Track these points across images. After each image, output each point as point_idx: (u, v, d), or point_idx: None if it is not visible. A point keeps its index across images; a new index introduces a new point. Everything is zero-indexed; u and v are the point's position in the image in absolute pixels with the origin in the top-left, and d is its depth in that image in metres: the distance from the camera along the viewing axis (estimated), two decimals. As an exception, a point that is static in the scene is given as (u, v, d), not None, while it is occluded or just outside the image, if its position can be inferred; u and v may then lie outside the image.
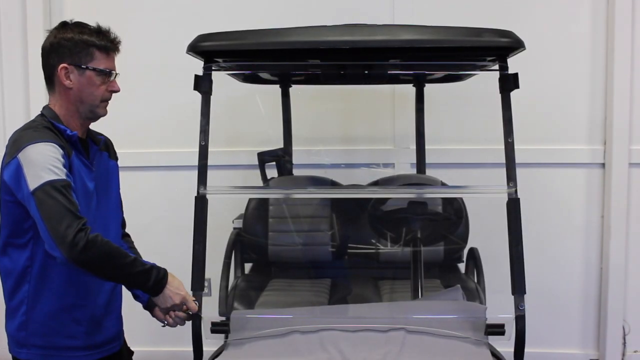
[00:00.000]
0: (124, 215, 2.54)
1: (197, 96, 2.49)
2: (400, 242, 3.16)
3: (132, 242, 2.61)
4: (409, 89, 3.85)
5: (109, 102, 2.24)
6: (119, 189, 2.42)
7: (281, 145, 3.94)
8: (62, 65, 2.11)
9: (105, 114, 2.24)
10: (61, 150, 2.03)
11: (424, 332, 2.35)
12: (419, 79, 3.66)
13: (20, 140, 2.04)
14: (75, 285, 2.17)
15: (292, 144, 3.95)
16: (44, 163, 1.96)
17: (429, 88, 3.79)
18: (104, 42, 2.16)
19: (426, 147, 3.87)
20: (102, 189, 2.28)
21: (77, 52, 2.12)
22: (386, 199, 3.20)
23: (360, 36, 2.26)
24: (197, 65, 2.52)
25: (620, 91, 4.05)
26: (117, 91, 2.22)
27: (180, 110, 4.13)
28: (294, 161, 3.95)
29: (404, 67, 2.89)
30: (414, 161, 3.93)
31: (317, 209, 3.64)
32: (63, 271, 2.12)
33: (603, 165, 4.17)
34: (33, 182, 1.95)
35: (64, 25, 2.19)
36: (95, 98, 2.17)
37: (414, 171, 4.00)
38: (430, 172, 3.86)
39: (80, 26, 2.18)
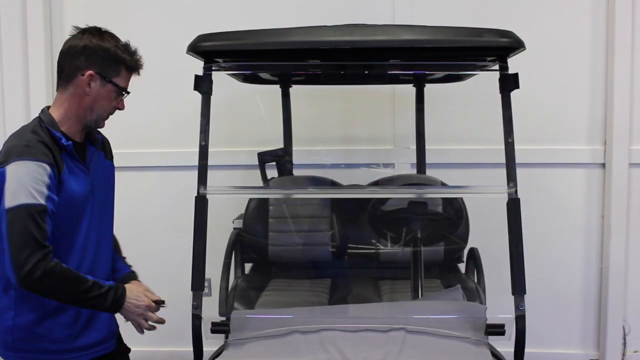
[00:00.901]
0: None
1: (197, 96, 2.49)
2: (401, 242, 3.16)
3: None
4: (409, 89, 3.85)
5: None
6: (114, 184, 2.44)
7: (281, 145, 3.94)
8: (89, 72, 2.12)
9: (103, 126, 2.30)
10: (49, 170, 2.02)
11: (424, 332, 2.35)
12: (419, 79, 3.66)
13: (11, 152, 2.04)
14: None
15: (292, 144, 3.95)
16: (26, 184, 1.97)
17: (429, 88, 3.79)
18: (133, 62, 2.21)
19: (426, 147, 3.87)
20: (100, 189, 2.29)
21: (108, 64, 2.15)
22: (386, 199, 3.20)
23: (361, 36, 2.26)
24: (197, 65, 2.52)
25: (620, 91, 4.05)
26: (121, 109, 2.27)
27: (180, 110, 4.13)
28: (294, 161, 3.95)
29: (404, 67, 2.89)
30: (414, 161, 3.93)
31: (317, 209, 3.64)
32: None
33: (603, 165, 4.17)
34: (10, 200, 1.97)
35: (100, 32, 2.18)
36: (105, 111, 2.21)
37: (414, 171, 4.00)
38: (430, 172, 3.86)
39: (115, 39, 2.20)
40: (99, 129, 2.35)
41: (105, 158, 2.37)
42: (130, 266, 2.54)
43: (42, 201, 1.98)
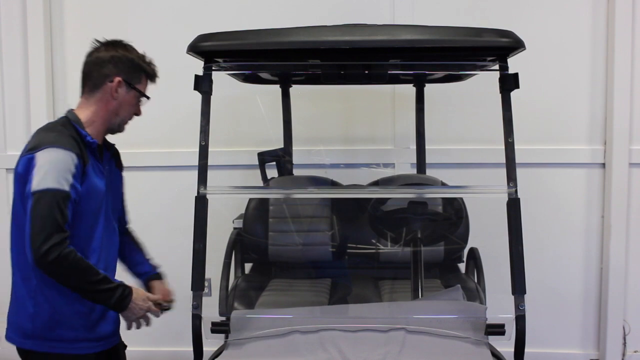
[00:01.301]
0: (129, 216, 2.73)
1: (197, 96, 2.49)
2: (401, 242, 3.15)
3: (134, 234, 2.76)
4: (409, 89, 3.85)
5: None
6: (122, 190, 2.57)
7: (281, 145, 3.94)
8: (118, 79, 2.30)
9: (122, 131, 2.45)
10: (76, 160, 2.16)
11: (424, 332, 2.35)
12: (419, 79, 3.66)
13: (43, 140, 2.17)
14: None
15: (292, 144, 3.95)
16: (54, 170, 2.09)
17: (429, 88, 3.79)
18: (152, 71, 2.42)
19: (426, 147, 3.87)
20: (110, 192, 2.41)
21: (133, 72, 2.34)
22: (386, 199, 3.20)
23: (361, 36, 2.26)
24: (197, 65, 2.52)
25: (620, 91, 4.05)
26: (138, 115, 2.44)
27: (180, 110, 4.14)
28: (294, 161, 3.95)
29: (404, 67, 2.89)
30: (414, 161, 3.93)
31: (317, 209, 3.64)
32: None
33: (603, 165, 4.17)
34: (37, 183, 2.08)
35: (123, 44, 2.40)
36: (129, 115, 2.39)
37: (414, 171, 4.00)
38: (430, 172, 3.87)
39: (136, 50, 2.41)
40: (111, 143, 2.51)
41: (115, 166, 2.49)
42: (156, 267, 2.68)
43: (67, 188, 2.10)
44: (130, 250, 2.66)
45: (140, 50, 2.41)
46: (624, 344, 4.22)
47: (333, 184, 3.71)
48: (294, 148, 3.96)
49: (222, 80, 2.76)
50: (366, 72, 2.68)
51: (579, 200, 4.23)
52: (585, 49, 4.14)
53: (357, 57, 2.47)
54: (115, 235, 2.47)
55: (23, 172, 2.16)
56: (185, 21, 4.22)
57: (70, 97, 4.36)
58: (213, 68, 2.45)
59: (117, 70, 2.31)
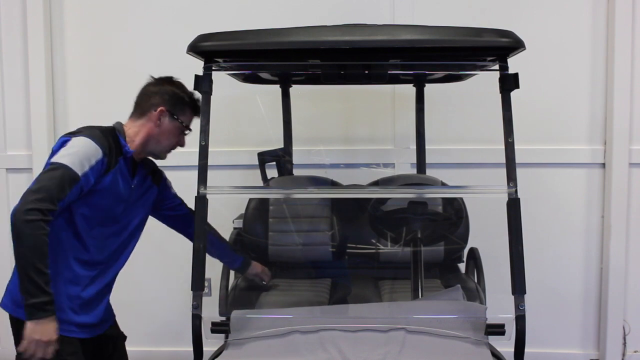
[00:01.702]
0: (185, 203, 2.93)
1: (197, 96, 2.50)
2: (401, 242, 3.15)
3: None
4: (409, 89, 3.85)
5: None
6: (149, 205, 2.71)
7: (281, 145, 3.94)
8: (162, 108, 2.51)
9: (163, 159, 2.66)
10: (101, 156, 2.34)
11: (424, 332, 2.35)
12: (419, 79, 3.66)
13: (83, 130, 2.41)
14: (73, 267, 2.42)
15: (292, 144, 3.95)
16: (77, 154, 2.29)
17: (429, 88, 3.79)
18: (196, 108, 2.59)
19: (426, 147, 3.87)
20: (134, 202, 2.58)
21: (178, 104, 2.54)
22: (386, 199, 3.20)
23: (361, 36, 2.26)
24: (197, 65, 2.52)
25: (620, 91, 4.05)
26: (182, 146, 2.63)
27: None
28: (294, 161, 3.95)
29: (404, 67, 2.89)
30: (414, 161, 3.93)
31: (317, 209, 3.64)
32: (67, 248, 2.40)
33: (603, 165, 4.18)
34: (58, 158, 2.28)
35: (173, 80, 2.61)
36: (169, 143, 2.58)
37: (414, 171, 4.00)
38: (430, 172, 3.87)
39: (184, 87, 2.59)
40: (155, 165, 2.74)
41: (152, 181, 2.69)
42: (241, 258, 3.12)
43: (79, 173, 2.26)
44: (218, 248, 2.95)
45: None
46: (624, 344, 4.23)
47: (333, 184, 3.71)
48: (294, 148, 3.96)
49: (222, 80, 2.76)
50: (366, 72, 2.68)
51: (579, 200, 4.23)
52: (585, 49, 4.14)
53: (357, 57, 2.47)
54: (126, 248, 2.61)
55: (56, 149, 2.34)
56: (185, 21, 4.22)
57: (70, 97, 4.36)
58: (213, 68, 2.45)
59: (163, 101, 2.52)
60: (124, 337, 2.81)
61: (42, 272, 2.16)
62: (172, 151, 2.68)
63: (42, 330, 2.18)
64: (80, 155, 2.29)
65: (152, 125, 2.52)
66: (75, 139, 2.34)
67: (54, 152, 2.35)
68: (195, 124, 2.53)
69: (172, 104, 2.53)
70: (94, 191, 2.37)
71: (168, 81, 2.60)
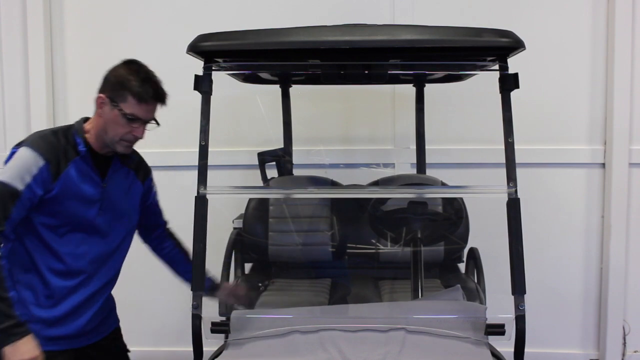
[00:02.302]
0: (166, 219, 2.80)
1: (197, 96, 2.49)
2: (401, 242, 3.15)
3: (176, 238, 2.80)
4: (409, 89, 3.85)
5: (134, 143, 2.39)
6: (135, 204, 2.54)
7: (281, 145, 3.94)
8: (100, 95, 2.30)
9: (124, 152, 2.38)
10: (42, 163, 2.22)
11: (424, 332, 2.35)
12: (419, 79, 3.66)
13: (29, 138, 2.32)
14: (48, 279, 2.34)
15: (292, 144, 3.95)
16: (15, 166, 2.21)
17: (429, 88, 3.79)
18: (142, 90, 2.27)
19: (426, 147, 3.87)
20: (112, 202, 2.42)
21: (115, 90, 2.28)
22: (386, 199, 3.19)
23: (361, 36, 2.26)
24: (197, 65, 2.52)
25: (620, 91, 4.05)
26: (139, 138, 2.35)
27: (180, 110, 4.13)
28: (294, 161, 3.95)
29: (404, 67, 2.89)
30: (414, 161, 3.93)
31: (317, 209, 3.64)
32: (38, 260, 2.33)
33: (603, 165, 4.18)
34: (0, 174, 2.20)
35: (126, 63, 2.35)
36: (115, 134, 2.31)
37: (414, 171, 4.00)
38: (430, 172, 3.87)
39: (133, 69, 2.31)
40: (137, 154, 2.54)
41: (135, 178, 2.52)
42: (211, 278, 2.72)
43: (20, 187, 2.18)
44: (178, 262, 2.74)
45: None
46: (624, 344, 4.22)
47: (333, 184, 3.71)
48: (294, 148, 3.96)
49: (222, 80, 2.76)
50: (366, 72, 2.68)
51: (579, 200, 4.23)
52: (585, 49, 4.14)
53: (357, 57, 2.47)
54: (114, 253, 2.49)
55: (5, 162, 2.28)
56: (185, 21, 4.22)
57: (70, 97, 4.36)
58: (213, 68, 2.45)
59: (104, 87, 2.32)
60: (125, 350, 2.71)
61: (2, 298, 2.11)
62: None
63: (22, 352, 2.13)
64: (19, 167, 2.20)
65: (97, 115, 2.35)
66: (18, 151, 2.26)
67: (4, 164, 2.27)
68: (195, 123, 2.46)
69: (112, 90, 2.29)
70: (47, 200, 2.27)
71: (123, 64, 2.35)
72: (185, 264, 2.71)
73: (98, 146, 2.36)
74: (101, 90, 2.31)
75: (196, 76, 2.43)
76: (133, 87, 2.26)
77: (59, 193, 2.27)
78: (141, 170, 2.56)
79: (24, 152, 2.23)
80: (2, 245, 2.15)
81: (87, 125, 2.37)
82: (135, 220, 2.57)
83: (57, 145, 2.29)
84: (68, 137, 2.32)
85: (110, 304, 2.62)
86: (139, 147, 4.25)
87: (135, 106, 2.28)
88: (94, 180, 2.36)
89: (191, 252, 2.52)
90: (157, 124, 2.39)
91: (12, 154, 2.27)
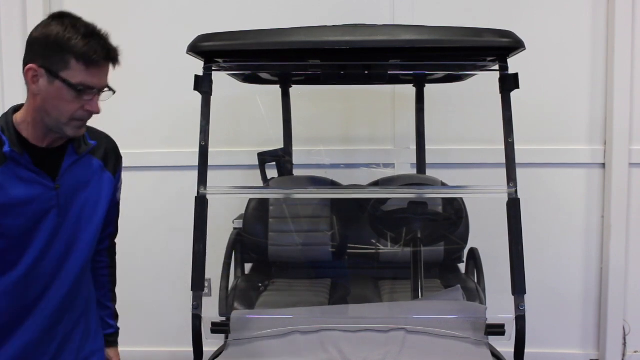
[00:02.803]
0: (117, 227, 2.20)
1: (197, 96, 2.49)
2: (401, 243, 3.15)
3: (113, 259, 2.23)
4: (409, 89, 3.85)
5: (87, 121, 1.84)
6: (106, 202, 2.02)
7: (281, 146, 3.94)
8: (30, 66, 1.72)
9: (76, 134, 1.83)
10: None
11: (424, 332, 2.35)
12: (419, 79, 3.66)
13: None
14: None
15: (292, 144, 3.95)
16: None
17: (429, 88, 3.79)
18: (88, 50, 1.70)
19: (426, 147, 3.87)
20: (70, 202, 1.90)
21: (50, 55, 1.71)
22: (386, 199, 3.20)
23: (361, 36, 2.26)
24: (197, 65, 2.52)
25: (620, 91, 4.04)
26: (95, 112, 1.80)
27: (180, 110, 4.13)
28: (294, 161, 3.95)
29: (404, 68, 2.89)
30: (414, 161, 3.93)
31: (317, 209, 3.64)
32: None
33: (603, 165, 4.17)
34: None
35: (57, 17, 1.80)
36: (61, 114, 1.75)
37: (414, 171, 4.00)
38: (430, 173, 3.86)
39: (68, 24, 1.75)
40: (101, 136, 2.02)
41: (103, 168, 1.99)
42: (113, 323, 2.21)
43: None
44: (97, 285, 2.15)
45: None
46: (624, 344, 4.22)
47: (333, 184, 3.71)
48: (294, 148, 3.96)
49: (222, 80, 2.76)
50: (366, 72, 2.68)
51: (579, 200, 4.23)
52: (585, 49, 4.14)
53: (357, 57, 2.47)
54: (74, 258, 1.92)
55: None
56: (185, 21, 4.22)
57: (70, 97, 4.36)
58: (213, 68, 2.45)
59: (32, 54, 1.73)
60: None
61: None
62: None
63: None
64: None
65: (31, 94, 1.76)
66: None
67: None
68: (195, 123, 2.44)
69: (43, 56, 1.71)
70: None
71: (51, 20, 1.79)
72: (106, 293, 2.18)
73: (38, 137, 1.81)
74: (29, 60, 1.73)
75: (196, 76, 2.43)
76: (76, 47, 1.69)
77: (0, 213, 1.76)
78: (111, 159, 2.02)
79: None
80: None
81: (17, 115, 1.82)
82: (105, 216, 2.02)
83: None
84: None
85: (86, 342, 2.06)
86: (139, 146, 4.27)
87: (83, 72, 1.71)
88: (40, 184, 1.82)
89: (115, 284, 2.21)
90: (113, 91, 1.82)
91: None
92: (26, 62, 1.75)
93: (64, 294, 1.93)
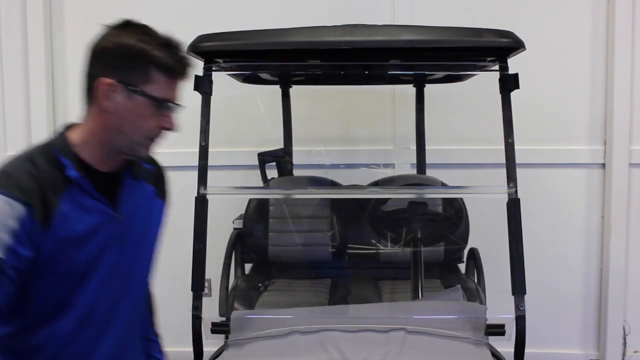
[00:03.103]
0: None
1: (197, 96, 2.49)
2: (401, 243, 3.15)
3: (150, 288, 2.02)
4: (409, 89, 3.85)
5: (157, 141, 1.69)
6: (157, 233, 1.87)
7: (281, 146, 3.94)
8: (106, 80, 1.55)
9: (146, 156, 1.72)
10: (21, 211, 1.46)
11: (424, 332, 2.35)
12: (419, 79, 3.66)
13: None
14: None
15: (292, 144, 3.95)
16: None
17: (429, 88, 3.79)
18: (171, 61, 1.58)
19: (426, 147, 3.87)
20: (128, 233, 1.70)
21: (130, 67, 1.56)
22: (386, 199, 3.19)
23: (361, 36, 2.26)
24: (197, 66, 2.52)
25: (620, 91, 4.04)
26: (169, 129, 1.67)
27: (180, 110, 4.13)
28: (294, 161, 3.95)
29: (404, 68, 2.89)
30: (414, 161, 3.93)
31: (317, 209, 3.64)
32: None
33: (603, 165, 4.17)
34: None
35: (125, 25, 1.68)
36: (138, 132, 1.60)
37: (414, 171, 4.00)
38: (430, 173, 3.86)
39: (144, 32, 1.64)
40: (153, 161, 1.87)
41: (155, 196, 1.82)
42: (161, 358, 2.11)
43: None
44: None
45: (159, 33, 1.68)
46: (624, 344, 4.22)
47: (333, 184, 3.70)
48: (294, 148, 3.96)
49: (222, 80, 2.76)
50: (366, 72, 2.68)
51: (579, 200, 4.22)
52: (585, 49, 4.14)
53: (357, 58, 2.47)
54: (129, 298, 1.74)
55: None
56: (185, 21, 4.21)
57: (70, 97, 4.36)
58: (213, 68, 2.45)
59: (105, 67, 1.57)
60: None
61: None
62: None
63: None
64: None
65: (101, 111, 1.58)
66: None
67: None
68: (195, 123, 2.42)
69: (122, 69, 1.56)
70: (42, 262, 1.51)
71: (120, 28, 1.66)
72: (150, 327, 2.06)
73: (101, 159, 1.63)
74: (100, 73, 1.56)
75: (196, 76, 2.43)
76: (158, 58, 1.56)
77: (57, 247, 1.53)
78: (161, 183, 1.87)
79: None
80: None
81: (73, 135, 1.63)
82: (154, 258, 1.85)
83: (39, 176, 1.51)
84: (51, 160, 1.56)
85: None
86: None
87: (164, 85, 1.58)
88: (103, 213, 1.62)
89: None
90: (173, 103, 1.66)
91: None
92: (94, 75, 1.57)
93: (118, 337, 1.73)
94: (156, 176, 1.84)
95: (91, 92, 1.59)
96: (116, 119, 1.58)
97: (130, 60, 1.56)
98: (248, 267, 3.76)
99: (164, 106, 1.60)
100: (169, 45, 1.59)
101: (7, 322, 1.51)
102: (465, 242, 3.58)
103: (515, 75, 2.37)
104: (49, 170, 1.54)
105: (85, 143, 1.61)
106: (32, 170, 1.52)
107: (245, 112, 4.23)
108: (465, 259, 3.66)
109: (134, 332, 1.82)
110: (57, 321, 1.60)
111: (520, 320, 2.25)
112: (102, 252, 1.62)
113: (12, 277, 1.45)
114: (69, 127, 1.67)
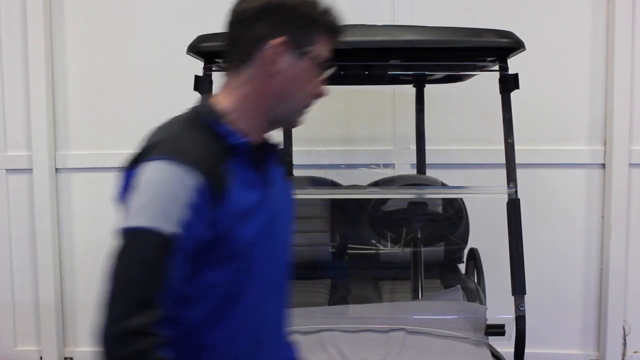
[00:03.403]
0: None
1: (197, 96, 2.49)
2: (401, 243, 3.15)
3: None
4: (409, 89, 3.85)
5: None
6: (292, 219, 1.60)
7: (281, 146, 3.93)
8: (280, 40, 1.38)
9: (299, 125, 1.58)
10: (199, 183, 1.27)
11: (424, 332, 2.35)
12: (419, 80, 3.66)
13: (157, 145, 1.35)
14: None
15: (292, 144, 3.94)
16: (157, 198, 1.26)
17: (429, 88, 3.79)
18: (334, 21, 1.46)
19: (426, 147, 3.87)
20: (281, 217, 1.51)
21: (301, 26, 1.41)
22: (386, 200, 3.19)
23: (361, 37, 2.26)
24: (197, 66, 2.52)
25: (620, 91, 4.04)
26: (322, 96, 1.53)
27: (180, 110, 4.13)
28: (294, 161, 3.95)
29: (404, 68, 2.89)
30: (414, 162, 3.93)
31: (317, 210, 3.63)
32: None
33: (603, 165, 4.17)
34: (130, 218, 1.26)
35: None
36: (304, 98, 1.48)
37: (414, 172, 4.00)
38: (430, 173, 3.86)
39: None
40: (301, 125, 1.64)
41: (284, 176, 1.61)
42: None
43: (171, 229, 1.23)
44: None
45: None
46: (624, 344, 4.22)
47: (333, 185, 3.70)
48: (293, 148, 3.96)
49: (222, 80, 2.76)
50: (366, 72, 2.68)
51: (579, 201, 4.22)
52: (585, 49, 4.14)
53: (357, 58, 2.47)
54: (281, 283, 1.54)
55: (123, 191, 1.34)
56: (185, 21, 4.22)
57: (70, 97, 4.35)
58: (213, 68, 2.45)
59: (277, 26, 1.40)
60: None
61: None
62: None
63: None
64: (162, 197, 1.25)
65: (263, 76, 1.41)
66: (147, 171, 1.29)
67: (123, 198, 1.33)
68: None
69: (294, 29, 1.41)
70: (214, 241, 1.31)
71: None
72: None
73: (255, 129, 1.45)
74: (271, 33, 1.39)
75: (196, 77, 2.43)
76: (325, 18, 1.44)
77: (228, 224, 1.33)
78: (283, 164, 1.67)
79: (165, 172, 1.28)
80: (163, 340, 1.21)
81: (224, 102, 1.44)
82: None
83: (206, 143, 1.36)
84: (207, 130, 1.39)
85: None
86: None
87: (327, 47, 1.47)
88: (261, 188, 1.43)
89: None
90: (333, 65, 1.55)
91: (131, 176, 1.32)
92: (259, 35, 1.39)
93: (280, 329, 1.56)
94: (280, 155, 1.62)
95: (251, 54, 1.41)
96: (284, 84, 1.43)
97: (302, 20, 1.41)
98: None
99: (325, 70, 1.48)
100: (328, 9, 1.46)
101: (176, 321, 1.28)
102: (465, 242, 3.58)
103: (515, 76, 2.37)
104: (210, 138, 1.37)
105: (238, 112, 1.43)
106: (198, 137, 1.36)
107: (245, 112, 4.22)
108: (465, 259, 3.66)
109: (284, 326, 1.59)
110: (228, 313, 1.38)
111: (520, 320, 2.26)
112: (265, 231, 1.40)
113: (191, 252, 1.27)
114: (205, 100, 1.50)
